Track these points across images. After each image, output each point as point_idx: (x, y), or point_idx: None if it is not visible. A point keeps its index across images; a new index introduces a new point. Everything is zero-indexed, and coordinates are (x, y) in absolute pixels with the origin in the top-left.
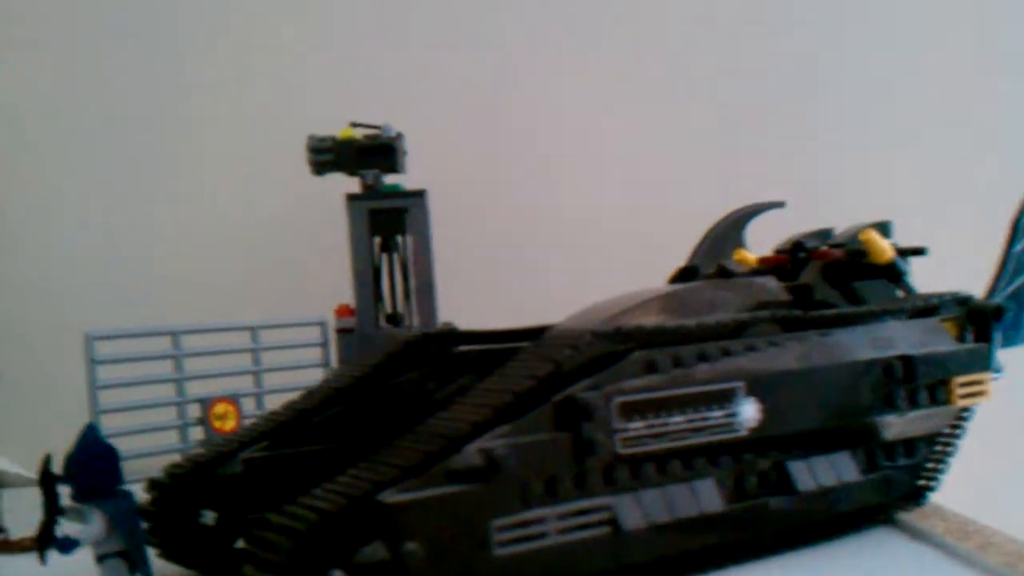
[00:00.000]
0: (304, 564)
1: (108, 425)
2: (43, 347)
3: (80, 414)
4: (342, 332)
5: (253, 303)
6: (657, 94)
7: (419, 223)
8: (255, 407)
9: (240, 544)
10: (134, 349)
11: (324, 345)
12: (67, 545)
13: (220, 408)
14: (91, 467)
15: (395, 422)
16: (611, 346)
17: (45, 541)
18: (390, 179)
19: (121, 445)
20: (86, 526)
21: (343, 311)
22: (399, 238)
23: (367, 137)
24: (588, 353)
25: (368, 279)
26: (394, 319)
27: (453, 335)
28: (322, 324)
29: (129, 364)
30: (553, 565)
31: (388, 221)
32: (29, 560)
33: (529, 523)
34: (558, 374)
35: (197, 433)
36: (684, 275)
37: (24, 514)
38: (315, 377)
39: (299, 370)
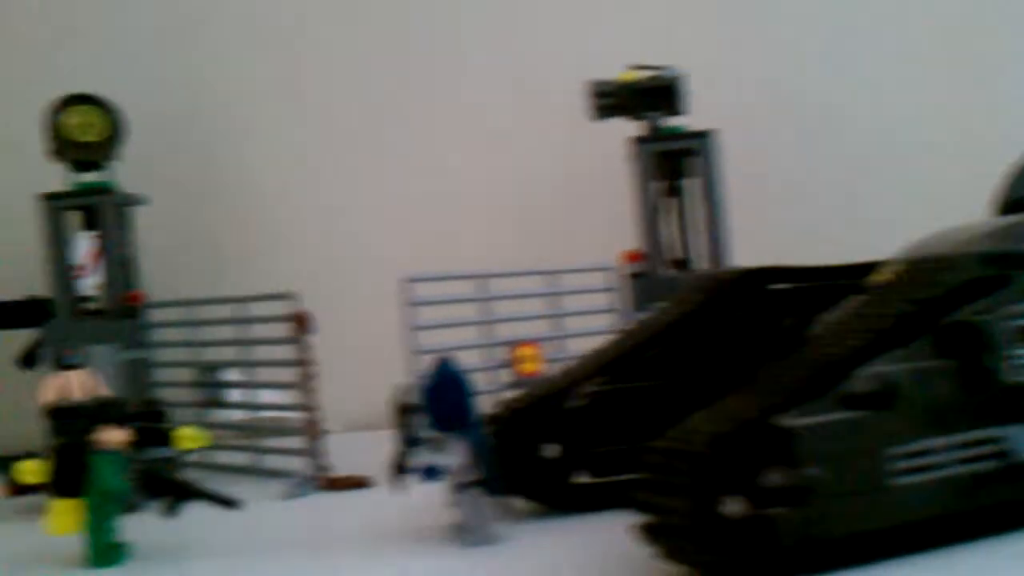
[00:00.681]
0: (702, 488)
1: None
2: (361, 294)
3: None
4: (632, 277)
5: (543, 250)
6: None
7: (708, 164)
8: (554, 351)
9: (581, 478)
10: (445, 292)
11: (614, 290)
12: (432, 473)
13: (525, 351)
14: (449, 398)
15: (730, 358)
16: (992, 270)
17: (399, 471)
18: (671, 122)
19: None
20: (448, 456)
21: (630, 256)
22: (683, 181)
23: (649, 79)
24: (966, 276)
25: (655, 223)
26: (681, 263)
27: (774, 272)
28: (611, 270)
29: (442, 307)
30: (943, 497)
31: (673, 164)
32: (354, 497)
33: (923, 453)
34: (937, 299)
35: (504, 375)
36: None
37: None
38: (606, 322)
39: (591, 315)
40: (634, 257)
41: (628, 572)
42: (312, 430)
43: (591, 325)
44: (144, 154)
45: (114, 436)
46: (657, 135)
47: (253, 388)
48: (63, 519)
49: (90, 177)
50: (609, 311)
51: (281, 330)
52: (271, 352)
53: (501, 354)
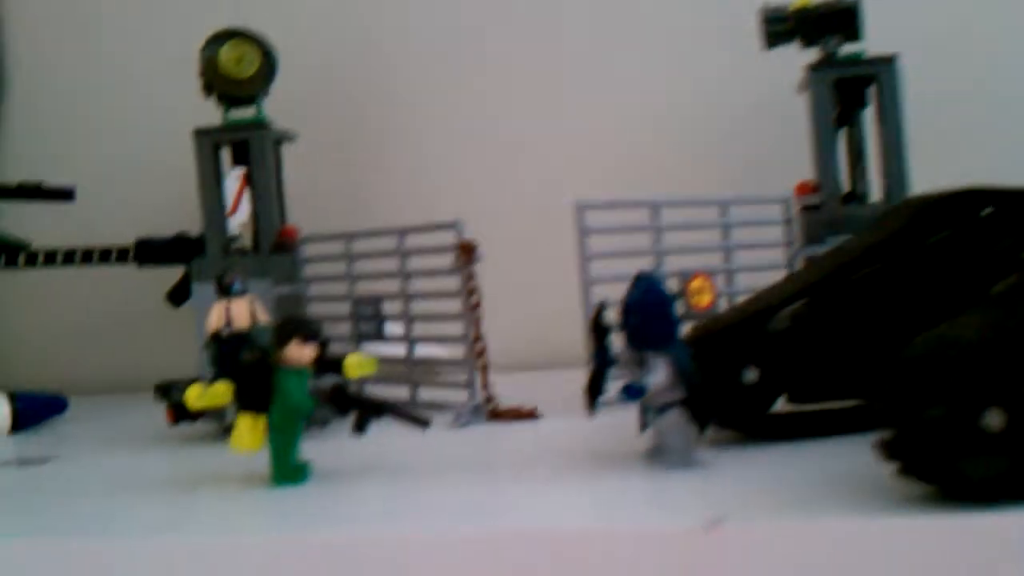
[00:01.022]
0: (965, 397)
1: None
2: (533, 222)
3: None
4: (806, 210)
5: (714, 181)
6: None
7: (888, 93)
8: (726, 284)
9: (779, 407)
10: (618, 221)
11: (788, 222)
12: (632, 393)
13: (697, 283)
14: (652, 314)
15: (942, 280)
16: None
17: (595, 391)
18: (848, 48)
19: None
20: (650, 374)
21: (804, 188)
22: (861, 111)
23: (825, 3)
24: None
25: (832, 153)
26: (855, 196)
27: (986, 194)
28: (785, 201)
29: (612, 237)
30: None
31: (850, 92)
32: (525, 428)
33: None
34: None
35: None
36: None
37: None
38: (778, 256)
39: (763, 249)
40: (808, 189)
41: (858, 493)
42: (478, 361)
43: (762, 259)
44: (294, 90)
45: (301, 352)
46: (833, 62)
47: (415, 320)
48: (248, 435)
49: (242, 113)
50: (781, 245)
51: (445, 261)
52: (434, 284)
53: (673, 286)
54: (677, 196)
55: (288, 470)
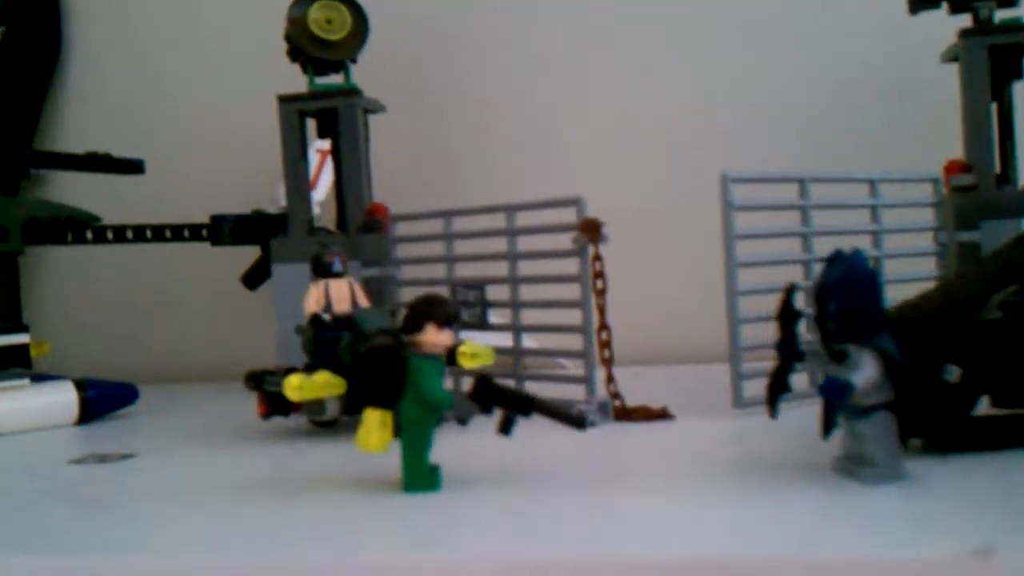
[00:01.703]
0: None
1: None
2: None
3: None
4: (958, 191)
5: (858, 160)
6: None
7: None
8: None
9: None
10: (764, 197)
11: (937, 205)
12: (838, 390)
13: None
14: (858, 297)
15: None
16: None
17: (779, 388)
18: (1005, 13)
19: (748, 306)
20: (856, 370)
21: (954, 167)
22: (1011, 84)
23: None
24: None
25: (988, 129)
26: (1004, 178)
27: None
28: (935, 181)
29: (757, 214)
30: None
31: (1007, 62)
32: (659, 429)
33: None
34: None
35: None
36: None
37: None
38: (926, 242)
39: (909, 233)
40: (958, 168)
41: None
42: (603, 354)
43: (910, 244)
44: (383, 58)
45: (439, 339)
46: (988, 28)
47: (527, 307)
48: (376, 433)
49: (331, 80)
50: (930, 230)
51: (562, 242)
52: (549, 267)
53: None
54: (825, 172)
55: (423, 475)
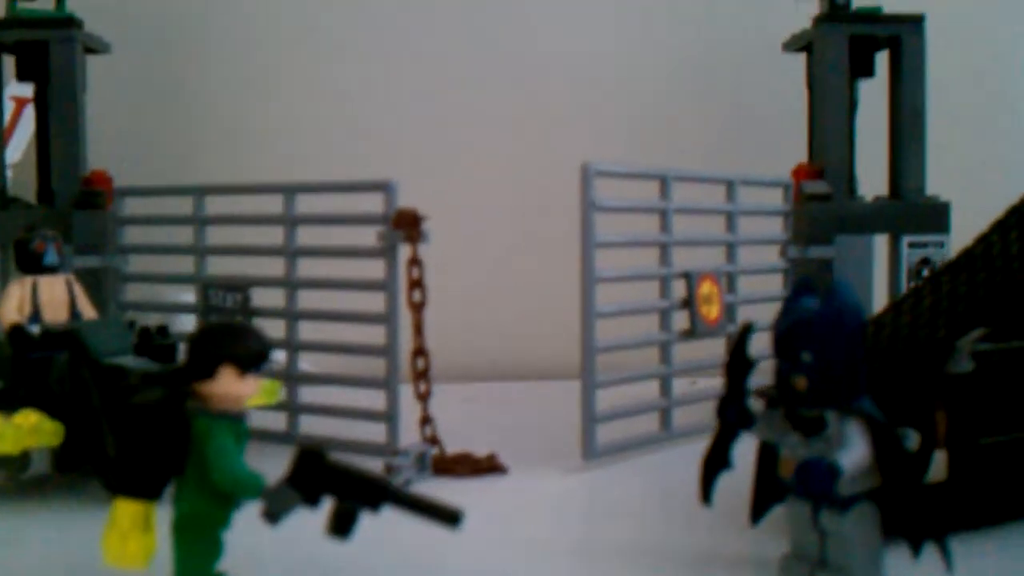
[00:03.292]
0: None
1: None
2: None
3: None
4: (812, 200)
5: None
6: None
7: (912, 60)
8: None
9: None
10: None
11: (787, 215)
12: (821, 476)
13: (707, 287)
14: (842, 348)
15: None
16: None
17: (717, 465)
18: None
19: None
20: (844, 448)
21: (804, 171)
22: (860, 82)
23: None
24: None
25: (844, 131)
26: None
27: None
28: (785, 187)
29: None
30: None
31: (862, 56)
32: (470, 488)
33: None
34: None
35: (680, 320)
36: None
37: None
38: (773, 256)
39: (757, 246)
40: (808, 173)
41: None
42: (417, 388)
43: (758, 259)
44: None
45: (240, 389)
46: (847, 15)
47: (306, 319)
48: (134, 539)
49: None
50: (782, 242)
51: (366, 237)
52: (346, 269)
53: (678, 290)
54: (687, 170)
55: None
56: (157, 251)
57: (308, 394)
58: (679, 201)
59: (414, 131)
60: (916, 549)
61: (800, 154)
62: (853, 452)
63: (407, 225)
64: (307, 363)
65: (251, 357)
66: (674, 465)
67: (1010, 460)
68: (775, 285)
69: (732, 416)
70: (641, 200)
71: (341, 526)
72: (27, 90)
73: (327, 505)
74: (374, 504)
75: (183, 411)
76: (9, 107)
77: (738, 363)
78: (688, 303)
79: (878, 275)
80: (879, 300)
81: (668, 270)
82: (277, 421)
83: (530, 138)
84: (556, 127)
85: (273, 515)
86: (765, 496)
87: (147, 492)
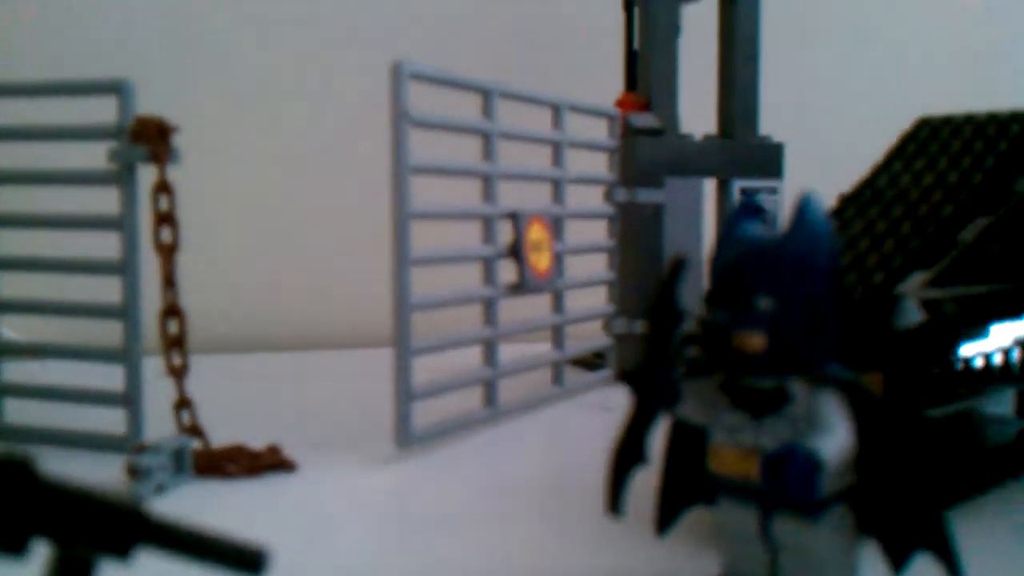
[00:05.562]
0: None
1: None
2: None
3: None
4: (640, 134)
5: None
6: None
7: None
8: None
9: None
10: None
11: (613, 152)
12: (802, 476)
13: (536, 232)
14: (814, 292)
15: None
16: None
17: (629, 459)
18: None
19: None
20: (822, 433)
21: (630, 102)
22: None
23: None
24: None
25: (670, 59)
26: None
27: None
28: (612, 118)
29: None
30: None
31: None
32: (250, 492)
33: None
34: None
35: (507, 272)
36: None
37: None
38: (596, 199)
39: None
40: (634, 104)
41: None
42: (169, 360)
43: (582, 202)
44: None
45: None
46: None
47: (7, 269)
48: None
49: None
50: (608, 183)
51: (96, 158)
52: (64, 200)
53: (504, 235)
54: (514, 87)
55: None
56: None
57: (14, 371)
58: (501, 125)
59: (153, 12)
60: (899, 563)
61: (614, 84)
62: (834, 437)
63: (151, 139)
64: (10, 329)
65: None
66: (506, 450)
67: (956, 434)
68: (598, 234)
69: (655, 389)
70: (463, 118)
71: None
72: None
73: (43, 552)
74: (121, 547)
75: None
76: None
77: (664, 315)
78: (515, 250)
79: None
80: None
81: (493, 208)
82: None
83: (316, 26)
84: (355, 18)
85: None
86: (678, 496)
87: None
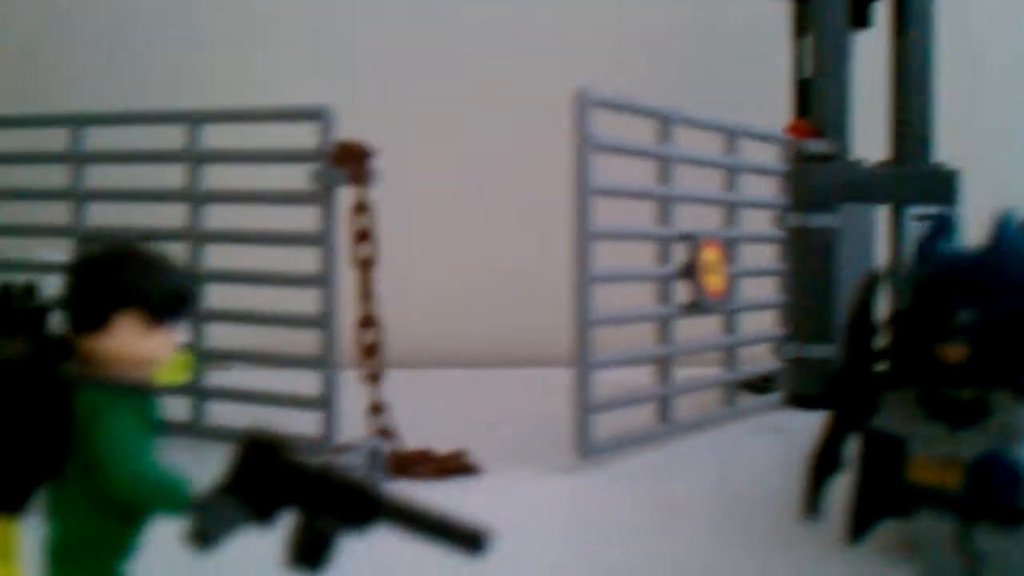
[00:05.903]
0: None
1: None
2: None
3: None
4: (808, 161)
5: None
6: None
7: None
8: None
9: None
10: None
11: (784, 177)
12: (1010, 480)
13: (710, 254)
14: (1012, 304)
15: None
16: None
17: (830, 464)
18: None
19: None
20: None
21: (802, 129)
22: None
23: None
24: None
25: (844, 85)
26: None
27: None
28: (783, 144)
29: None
30: None
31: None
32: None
33: None
34: None
35: (680, 292)
36: None
37: None
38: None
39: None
40: (805, 130)
41: None
42: (367, 367)
43: (753, 227)
44: None
45: (151, 346)
46: None
47: (215, 282)
48: None
49: None
50: (777, 206)
51: (295, 179)
52: (267, 218)
53: (677, 255)
54: (690, 113)
55: None
56: (22, 196)
57: (220, 376)
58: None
59: (356, 46)
60: None
61: (782, 111)
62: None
63: (351, 161)
64: (218, 337)
65: (166, 298)
66: (680, 465)
67: None
68: (767, 258)
69: (853, 401)
70: (642, 143)
71: (309, 554)
72: None
73: (287, 523)
74: (359, 521)
75: (59, 378)
76: None
77: (862, 329)
78: (690, 271)
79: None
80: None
81: (670, 230)
82: (177, 408)
83: (504, 57)
84: (535, 47)
85: (205, 537)
86: (872, 507)
87: (2, 504)
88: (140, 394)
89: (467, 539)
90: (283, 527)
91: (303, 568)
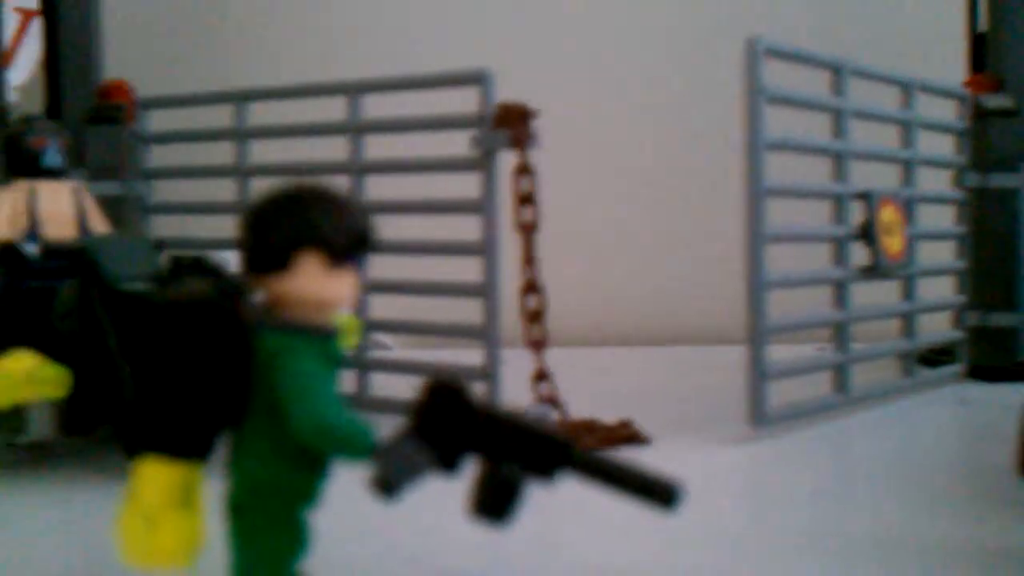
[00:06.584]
0: None
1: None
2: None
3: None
4: (992, 115)
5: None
6: None
7: None
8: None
9: None
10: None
11: (962, 134)
12: None
13: (888, 213)
14: None
15: None
16: None
17: None
18: None
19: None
20: None
21: (982, 83)
22: None
23: None
24: None
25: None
26: None
27: None
28: (962, 99)
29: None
30: None
31: None
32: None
33: None
34: None
35: (855, 254)
36: None
37: None
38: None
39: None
40: (986, 84)
41: None
42: (529, 334)
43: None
44: None
45: (333, 287)
46: None
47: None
48: (169, 523)
49: None
50: (955, 166)
51: (456, 144)
52: (431, 187)
53: (854, 215)
54: (864, 65)
55: None
56: (190, 174)
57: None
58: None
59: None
60: None
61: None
62: None
63: (513, 123)
64: (379, 308)
65: (347, 238)
66: (859, 436)
67: None
68: (943, 219)
69: None
70: (815, 95)
71: (495, 503)
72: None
73: (471, 471)
74: (547, 470)
75: (241, 321)
76: (12, 21)
77: None
78: (868, 232)
79: None
80: None
81: (845, 187)
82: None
83: (672, 7)
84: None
85: (389, 485)
86: None
87: (186, 450)
88: (322, 337)
89: (660, 492)
90: (467, 475)
91: (488, 518)
